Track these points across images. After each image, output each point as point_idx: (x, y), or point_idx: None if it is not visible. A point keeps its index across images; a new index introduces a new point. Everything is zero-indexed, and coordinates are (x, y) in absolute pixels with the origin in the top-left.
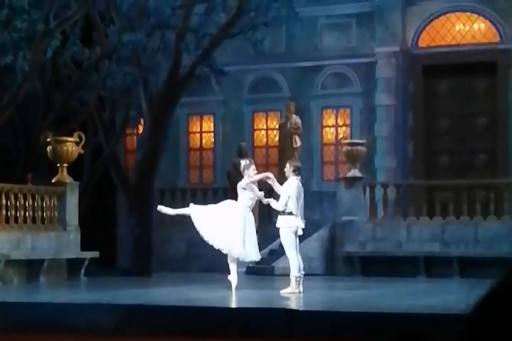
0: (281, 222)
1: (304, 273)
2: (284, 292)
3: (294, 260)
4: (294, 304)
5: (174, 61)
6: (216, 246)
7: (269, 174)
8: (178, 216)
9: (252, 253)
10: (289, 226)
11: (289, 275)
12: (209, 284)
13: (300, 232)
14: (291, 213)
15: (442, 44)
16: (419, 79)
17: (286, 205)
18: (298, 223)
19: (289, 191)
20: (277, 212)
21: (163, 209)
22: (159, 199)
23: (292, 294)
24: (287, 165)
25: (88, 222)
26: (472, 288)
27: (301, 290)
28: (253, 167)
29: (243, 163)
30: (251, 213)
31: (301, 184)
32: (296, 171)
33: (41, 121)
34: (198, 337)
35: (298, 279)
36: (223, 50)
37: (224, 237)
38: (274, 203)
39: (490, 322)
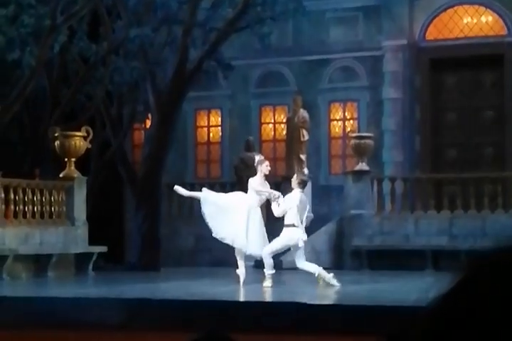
0: (284, 233)
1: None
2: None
3: (268, 257)
4: (302, 298)
5: (181, 56)
6: (219, 235)
7: (278, 194)
8: (189, 200)
9: (254, 247)
10: (291, 239)
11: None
12: (217, 278)
13: (301, 244)
14: (293, 225)
15: (450, 37)
16: (427, 73)
17: (285, 215)
18: (299, 235)
19: (292, 202)
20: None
21: (178, 189)
22: (166, 193)
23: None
24: (294, 176)
25: (96, 217)
26: None
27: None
28: (266, 163)
29: (257, 157)
30: (259, 208)
31: (304, 196)
32: (301, 184)
33: (49, 116)
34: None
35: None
36: (230, 45)
37: (228, 227)
38: (275, 206)
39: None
